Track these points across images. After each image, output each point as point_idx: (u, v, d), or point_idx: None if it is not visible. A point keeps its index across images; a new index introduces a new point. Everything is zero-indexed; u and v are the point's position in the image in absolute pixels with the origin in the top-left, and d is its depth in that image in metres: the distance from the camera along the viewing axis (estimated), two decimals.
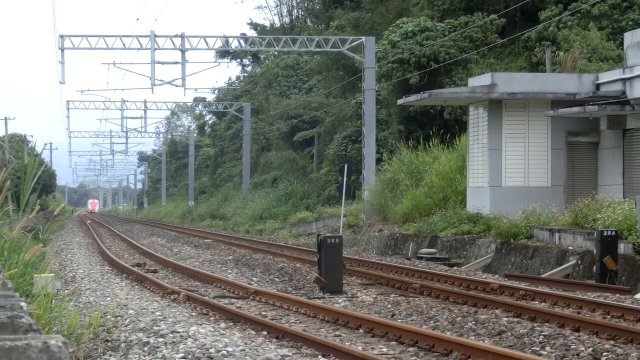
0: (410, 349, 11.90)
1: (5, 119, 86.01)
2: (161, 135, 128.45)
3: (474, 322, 13.95)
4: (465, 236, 29.14)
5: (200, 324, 12.74)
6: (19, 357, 2.96)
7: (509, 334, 12.86)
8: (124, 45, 44.58)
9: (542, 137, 30.22)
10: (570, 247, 23.24)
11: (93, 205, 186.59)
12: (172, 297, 17.57)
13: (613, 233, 20.38)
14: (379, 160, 43.70)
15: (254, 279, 22.06)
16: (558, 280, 20.74)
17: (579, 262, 22.30)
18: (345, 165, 36.37)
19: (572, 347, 11.78)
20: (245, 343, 11.32)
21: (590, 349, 11.55)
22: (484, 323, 13.83)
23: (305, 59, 72.66)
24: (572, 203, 26.61)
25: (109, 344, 11.35)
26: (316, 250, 20.02)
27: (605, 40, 37.66)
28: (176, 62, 46.02)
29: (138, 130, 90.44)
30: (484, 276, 21.62)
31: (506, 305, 15.26)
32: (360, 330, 13.42)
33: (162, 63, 47.03)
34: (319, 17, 76.69)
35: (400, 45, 45.82)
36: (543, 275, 22.06)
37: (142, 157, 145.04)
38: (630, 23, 38.53)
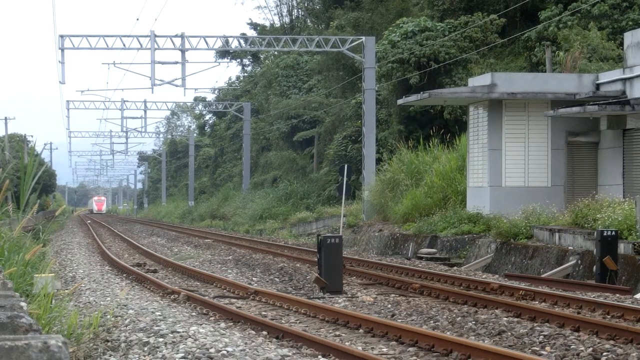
0: (410, 349, 11.90)
1: (5, 119, 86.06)
2: (161, 135, 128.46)
3: (474, 322, 13.95)
4: (465, 236, 29.14)
5: (200, 324, 12.75)
6: (19, 357, 2.96)
7: (509, 334, 12.86)
8: (124, 45, 44.58)
9: (542, 137, 30.22)
10: (570, 247, 23.24)
11: (99, 204, 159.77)
12: (172, 297, 17.57)
13: (613, 233, 20.38)
14: (379, 160, 43.70)
15: (254, 279, 22.06)
16: (558, 280, 20.74)
17: (579, 262, 22.30)
18: (345, 165, 36.37)
19: (572, 347, 11.78)
20: (245, 343, 11.32)
21: (590, 349, 11.55)
22: (484, 323, 13.83)
23: (305, 59, 72.66)
24: (572, 203, 26.62)
25: (109, 344, 11.35)
26: (316, 250, 20.02)
27: (605, 40, 37.66)
28: (176, 62, 46.03)
29: (138, 130, 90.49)
30: (484, 276, 21.61)
31: (506, 305, 15.26)
32: (360, 330, 13.41)
33: (162, 63, 47.03)
34: (319, 17, 76.67)
35: (400, 45, 45.82)
36: (543, 275, 22.06)
37: (142, 157, 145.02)
38: (630, 23, 38.53)
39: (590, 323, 13.04)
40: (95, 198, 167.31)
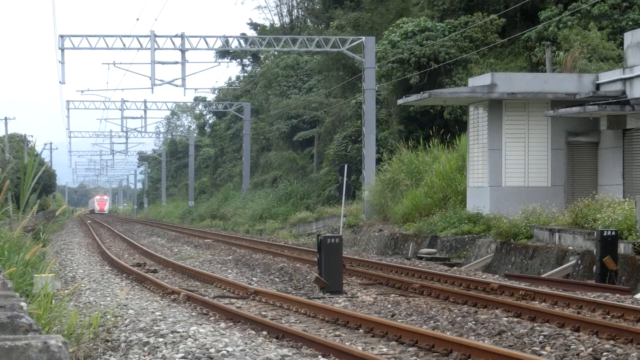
0: (410, 349, 11.90)
1: (5, 119, 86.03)
2: (161, 135, 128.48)
3: (474, 322, 13.95)
4: (465, 236, 29.14)
5: (200, 324, 12.75)
6: (19, 357, 2.96)
7: (509, 334, 12.86)
8: (124, 45, 44.58)
9: (542, 137, 30.23)
10: (570, 247, 23.24)
11: (101, 203, 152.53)
12: (172, 297, 17.57)
13: (613, 233, 20.38)
14: (379, 160, 43.71)
15: (254, 279, 22.06)
16: (558, 280, 20.74)
17: (579, 262, 22.30)
18: (345, 165, 36.36)
19: (572, 347, 11.78)
20: (245, 343, 11.32)
21: (590, 349, 11.55)
22: (484, 323, 13.83)
23: (305, 59, 72.66)
24: (572, 203, 26.62)
25: (109, 344, 11.35)
26: (316, 250, 20.02)
27: (605, 40, 37.66)
28: (176, 62, 46.03)
29: (138, 130, 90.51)
30: (484, 276, 21.61)
31: (506, 305, 15.26)
32: (360, 330, 13.41)
33: (162, 63, 47.03)
34: (319, 17, 76.68)
35: (400, 45, 45.82)
36: (543, 275, 22.06)
37: (142, 157, 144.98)
38: (630, 23, 38.53)
39: (590, 323, 13.04)
40: (97, 197, 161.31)
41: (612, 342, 12.09)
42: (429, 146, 38.99)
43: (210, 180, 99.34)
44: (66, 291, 14.24)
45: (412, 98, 33.03)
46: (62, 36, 44.20)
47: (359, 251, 33.57)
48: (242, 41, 50.91)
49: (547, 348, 11.84)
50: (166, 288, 18.60)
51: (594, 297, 16.66)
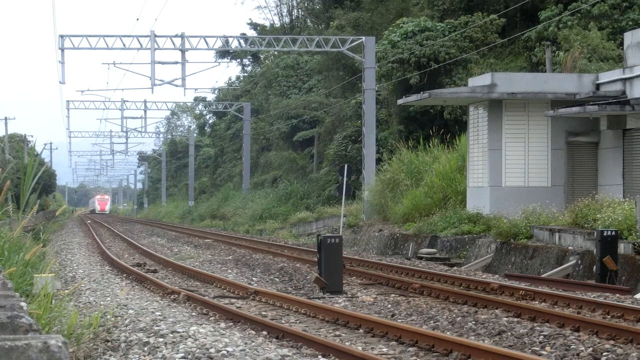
0: (410, 349, 11.90)
1: (5, 119, 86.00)
2: (161, 135, 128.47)
3: (474, 322, 13.95)
4: (465, 236, 29.14)
5: (200, 324, 12.75)
6: (19, 357, 2.96)
7: (509, 334, 12.86)
8: (124, 45, 44.58)
9: (542, 137, 30.23)
10: (570, 247, 23.24)
11: (102, 203, 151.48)
12: (172, 297, 17.57)
13: (613, 233, 20.38)
14: (379, 160, 43.70)
15: (254, 279, 22.06)
16: (558, 280, 20.74)
17: (579, 262, 22.30)
18: (345, 165, 36.35)
19: (572, 347, 11.78)
20: (245, 343, 11.32)
21: (590, 349, 11.55)
22: (484, 323, 13.83)
23: (305, 59, 72.65)
24: (572, 203, 26.62)
25: (109, 344, 11.35)
26: (316, 250, 20.02)
27: (605, 40, 37.66)
28: (176, 62, 46.03)
29: (138, 130, 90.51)
30: (484, 276, 21.61)
31: (506, 305, 15.26)
32: (360, 330, 13.41)
33: (162, 63, 47.03)
34: (319, 17, 76.68)
35: (400, 45, 45.82)
36: (543, 275, 22.06)
37: (142, 157, 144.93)
38: (630, 23, 38.54)
39: (590, 323, 13.04)
40: (98, 197, 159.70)
41: (612, 342, 12.09)
42: (429, 146, 39.00)
43: (210, 180, 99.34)
44: (66, 291, 14.24)
45: (412, 98, 33.03)
46: (62, 36, 44.21)
47: (359, 251, 33.57)
48: (242, 41, 50.92)
49: (547, 348, 11.84)
50: (166, 288, 18.60)
51: (594, 297, 16.65)
